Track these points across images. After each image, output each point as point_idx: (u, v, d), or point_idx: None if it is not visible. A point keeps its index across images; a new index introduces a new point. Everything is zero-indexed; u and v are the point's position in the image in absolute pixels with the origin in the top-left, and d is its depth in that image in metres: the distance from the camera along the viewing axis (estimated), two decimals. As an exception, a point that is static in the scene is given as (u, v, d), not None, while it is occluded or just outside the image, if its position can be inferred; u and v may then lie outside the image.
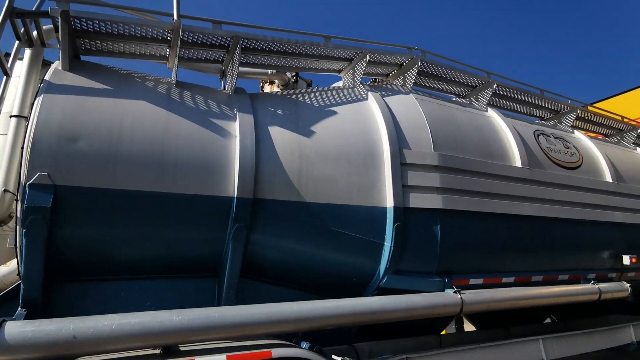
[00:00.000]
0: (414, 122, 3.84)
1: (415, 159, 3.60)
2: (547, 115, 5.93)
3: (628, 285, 4.71)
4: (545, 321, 6.35)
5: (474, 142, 4.10)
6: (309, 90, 3.91)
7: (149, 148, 2.83)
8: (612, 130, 6.68)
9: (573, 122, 5.72)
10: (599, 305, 5.64)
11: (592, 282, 4.49)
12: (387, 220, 3.38)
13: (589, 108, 5.94)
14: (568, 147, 4.99)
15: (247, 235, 3.03)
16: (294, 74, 4.24)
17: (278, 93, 3.79)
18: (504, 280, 3.96)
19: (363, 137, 3.55)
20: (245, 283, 3.30)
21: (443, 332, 4.99)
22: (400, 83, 4.43)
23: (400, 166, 3.52)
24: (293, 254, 3.26)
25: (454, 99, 4.93)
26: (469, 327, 7.34)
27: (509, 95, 5.19)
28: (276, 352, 2.52)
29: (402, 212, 3.42)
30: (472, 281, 3.75)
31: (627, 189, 5.16)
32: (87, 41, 3.18)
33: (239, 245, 3.01)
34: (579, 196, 4.62)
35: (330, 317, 2.87)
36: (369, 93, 3.89)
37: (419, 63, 4.22)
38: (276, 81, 4.12)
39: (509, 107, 5.50)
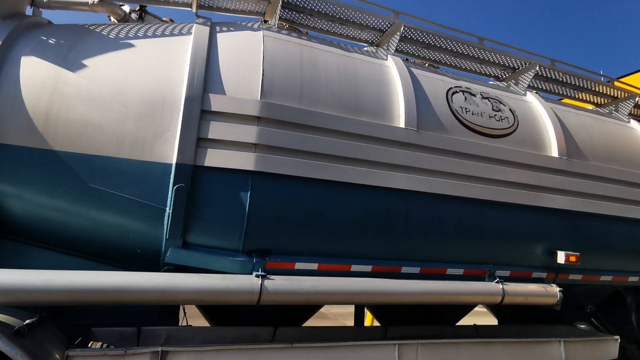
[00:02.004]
0: (245, 61, 3.06)
1: (224, 106, 2.85)
2: (503, 75, 4.78)
3: (558, 289, 3.64)
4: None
5: (337, 92, 3.24)
6: (127, 24, 3.26)
7: None
8: (603, 98, 5.32)
9: (530, 82, 4.52)
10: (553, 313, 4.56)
11: (498, 280, 3.50)
12: (168, 180, 2.71)
13: (555, 65, 4.65)
14: (499, 111, 3.90)
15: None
16: (139, 7, 3.59)
17: (83, 25, 3.17)
18: (355, 268, 3.12)
19: (157, 77, 2.85)
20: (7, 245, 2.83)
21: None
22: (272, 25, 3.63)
23: (200, 114, 2.79)
24: (48, 210, 2.70)
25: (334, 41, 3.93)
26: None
27: (426, 41, 4.15)
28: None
29: (190, 171, 2.72)
30: (300, 265, 2.97)
31: (580, 168, 3.99)
32: None
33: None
34: (495, 171, 3.59)
35: (43, 291, 2.30)
36: (197, 28, 3.14)
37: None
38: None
39: (443, 61, 4.46)
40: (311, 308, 3.89)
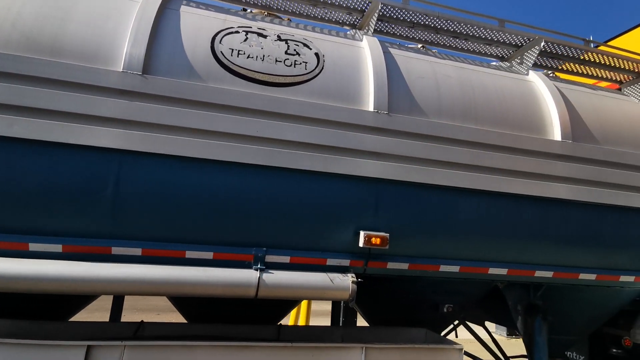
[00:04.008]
0: None
1: None
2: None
3: (352, 281, 2.79)
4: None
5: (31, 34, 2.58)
6: None
7: None
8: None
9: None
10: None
11: (256, 268, 2.71)
12: None
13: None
14: (296, 54, 3.08)
15: None
16: None
17: None
18: (34, 247, 2.45)
19: None
20: None
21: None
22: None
23: None
24: None
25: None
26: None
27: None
28: None
29: None
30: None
31: (407, 125, 3.08)
32: None
33: None
34: (274, 127, 2.80)
35: None
36: None
37: None
38: None
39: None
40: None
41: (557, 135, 3.50)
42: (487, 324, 5.04)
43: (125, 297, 5.58)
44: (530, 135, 3.42)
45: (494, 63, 4.32)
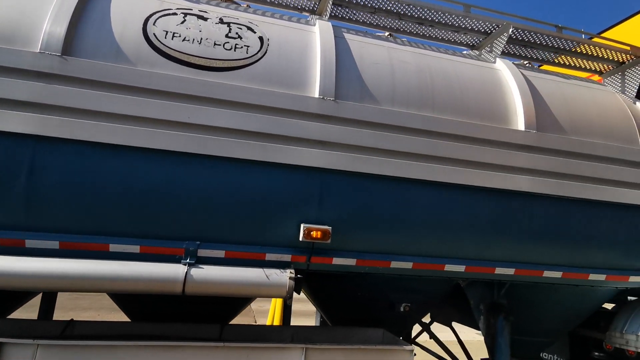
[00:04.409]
0: None
1: None
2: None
3: (289, 277, 2.61)
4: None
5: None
6: None
7: None
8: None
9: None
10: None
11: (185, 262, 2.53)
12: None
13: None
14: (238, 38, 2.91)
15: None
16: None
17: None
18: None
19: None
20: None
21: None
22: None
23: None
24: None
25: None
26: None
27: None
28: None
29: None
30: None
31: (356, 112, 2.90)
32: None
33: None
34: (206, 114, 2.62)
35: None
36: None
37: None
38: None
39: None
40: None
41: (520, 125, 3.31)
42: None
43: (88, 295, 5.34)
44: (491, 125, 3.23)
45: (465, 52, 4.14)
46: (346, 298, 3.49)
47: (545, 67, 4.79)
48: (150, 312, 3.27)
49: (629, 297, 4.56)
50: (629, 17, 8.59)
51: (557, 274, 3.33)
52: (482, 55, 3.96)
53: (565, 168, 3.33)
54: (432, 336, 4.03)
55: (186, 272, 2.46)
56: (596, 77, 4.97)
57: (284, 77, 2.88)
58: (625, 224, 3.45)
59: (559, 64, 4.63)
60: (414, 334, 5.45)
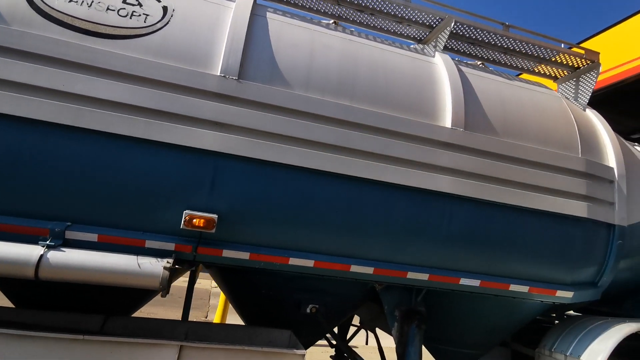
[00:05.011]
0: None
1: None
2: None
3: (163, 267, 2.37)
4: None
5: None
6: None
7: None
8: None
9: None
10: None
11: (43, 244, 2.29)
12: None
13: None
14: (140, 5, 2.67)
15: None
16: None
17: None
18: None
19: None
20: None
21: None
22: None
23: None
24: None
25: None
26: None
27: None
28: None
29: None
30: None
31: (260, 95, 2.68)
32: None
33: None
34: (85, 83, 2.38)
35: None
36: None
37: None
38: None
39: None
40: None
41: (447, 122, 3.11)
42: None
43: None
44: (414, 119, 3.03)
45: (412, 46, 3.94)
46: (258, 296, 3.26)
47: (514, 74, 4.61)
48: (35, 298, 3.02)
49: (568, 313, 4.39)
50: (610, 26, 8.48)
51: (475, 282, 3.14)
52: (424, 49, 3.76)
53: (492, 171, 3.14)
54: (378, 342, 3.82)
55: (42, 254, 2.22)
56: (553, 85, 4.81)
57: (184, 52, 2.65)
58: (553, 234, 3.26)
59: (514, 67, 4.45)
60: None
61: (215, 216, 2.50)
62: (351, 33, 3.44)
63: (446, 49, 4.19)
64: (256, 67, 2.78)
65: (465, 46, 4.14)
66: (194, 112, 2.55)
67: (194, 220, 2.46)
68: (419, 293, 3.29)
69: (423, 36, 4.02)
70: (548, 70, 4.42)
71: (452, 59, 3.62)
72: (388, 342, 4.81)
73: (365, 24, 3.95)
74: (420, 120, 3.04)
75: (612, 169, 3.57)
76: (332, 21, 3.76)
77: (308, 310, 3.12)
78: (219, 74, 2.64)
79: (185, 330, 3.07)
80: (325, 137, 2.77)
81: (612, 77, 7.93)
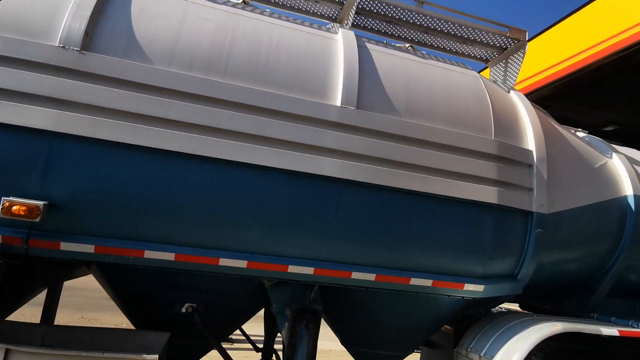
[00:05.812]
0: None
1: None
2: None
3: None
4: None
5: None
6: None
7: None
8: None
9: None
10: None
11: None
12: None
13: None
14: (-31, -30, 2.39)
15: None
16: None
17: None
18: None
19: None
20: None
21: None
22: None
23: None
24: None
25: None
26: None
27: None
28: None
29: None
30: None
31: (103, 68, 2.39)
32: None
33: None
34: None
35: None
36: None
37: None
38: None
39: None
40: None
41: (337, 101, 2.83)
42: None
43: None
44: (298, 97, 2.74)
45: (328, 26, 3.67)
46: (134, 295, 2.96)
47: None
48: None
49: (497, 308, 4.10)
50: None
51: (370, 276, 2.84)
52: (332, 28, 3.48)
53: (389, 153, 2.85)
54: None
55: None
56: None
57: (19, 22, 2.37)
58: (460, 222, 2.98)
59: (440, 49, 4.19)
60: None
61: (40, 203, 2.19)
62: (262, 13, 3.17)
63: (365, 28, 3.93)
64: (107, 39, 2.50)
65: (388, 26, 3.88)
66: (24, 87, 2.26)
67: (14, 208, 2.15)
68: (312, 290, 2.99)
69: (336, 15, 3.76)
70: (477, 52, 4.17)
71: (361, 37, 3.34)
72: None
73: (276, 2, 3.70)
74: (303, 98, 2.76)
75: (530, 152, 3.30)
76: (240, 0, 3.48)
77: (184, 310, 2.82)
78: (57, 44, 2.36)
79: (42, 334, 2.75)
80: (185, 116, 2.48)
81: (574, 64, 7.68)
